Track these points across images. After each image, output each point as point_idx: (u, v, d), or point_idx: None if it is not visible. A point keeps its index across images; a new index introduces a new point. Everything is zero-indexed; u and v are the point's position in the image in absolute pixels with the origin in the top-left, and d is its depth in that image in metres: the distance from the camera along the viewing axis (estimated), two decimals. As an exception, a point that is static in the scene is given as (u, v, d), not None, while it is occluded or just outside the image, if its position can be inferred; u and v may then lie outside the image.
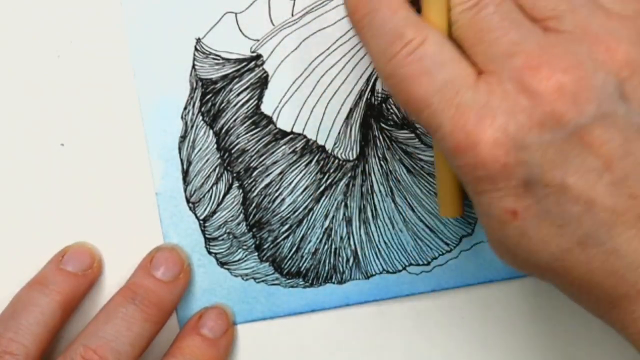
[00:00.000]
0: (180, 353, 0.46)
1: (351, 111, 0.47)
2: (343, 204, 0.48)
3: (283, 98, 0.47)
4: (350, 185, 0.48)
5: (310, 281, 0.49)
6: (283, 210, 0.48)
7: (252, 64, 0.47)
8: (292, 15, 0.47)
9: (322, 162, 0.48)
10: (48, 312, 0.45)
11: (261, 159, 0.48)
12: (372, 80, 0.47)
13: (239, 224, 0.48)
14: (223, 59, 0.47)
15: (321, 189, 0.48)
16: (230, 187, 0.48)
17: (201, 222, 0.48)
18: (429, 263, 0.49)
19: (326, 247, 0.48)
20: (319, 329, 0.49)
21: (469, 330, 0.49)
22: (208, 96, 0.47)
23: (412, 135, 0.48)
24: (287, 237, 0.48)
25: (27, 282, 0.46)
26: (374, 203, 0.48)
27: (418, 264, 0.49)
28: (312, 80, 0.47)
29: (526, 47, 0.37)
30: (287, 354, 0.49)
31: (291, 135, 0.48)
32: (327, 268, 0.49)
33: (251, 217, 0.48)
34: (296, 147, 0.48)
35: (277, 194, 0.48)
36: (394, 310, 0.49)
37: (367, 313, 0.49)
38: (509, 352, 0.50)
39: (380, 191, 0.48)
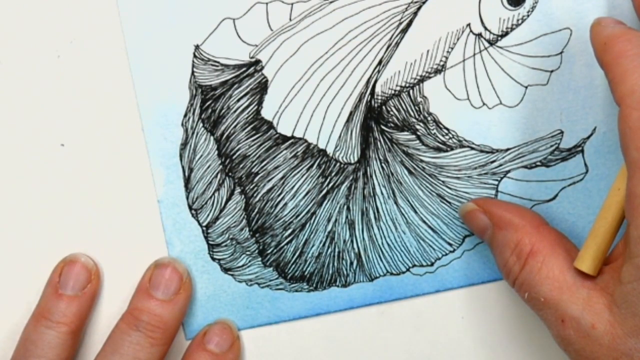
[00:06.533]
0: None
1: (351, 114, 0.47)
2: (345, 207, 0.48)
3: (283, 103, 0.47)
4: (352, 188, 0.48)
5: (314, 285, 0.49)
6: (285, 215, 0.48)
7: (251, 70, 0.47)
8: (290, 19, 0.46)
9: (323, 166, 0.48)
10: (59, 345, 0.45)
11: (262, 164, 0.48)
12: (372, 83, 0.47)
13: (241, 229, 0.48)
14: (222, 65, 0.47)
15: (323, 192, 0.48)
16: (232, 193, 0.48)
17: (204, 228, 0.48)
18: (432, 264, 0.49)
19: (329, 250, 0.48)
20: (323, 332, 0.49)
21: (470, 330, 0.49)
22: (208, 103, 0.47)
23: (413, 136, 0.48)
24: (290, 241, 0.48)
25: (32, 315, 0.46)
26: (376, 205, 0.48)
27: (422, 265, 0.49)
28: (311, 84, 0.47)
29: None
30: (293, 358, 0.49)
31: (292, 140, 0.47)
32: (331, 271, 0.49)
33: (254, 222, 0.48)
34: (297, 152, 0.48)
35: (279, 199, 0.48)
36: (397, 311, 0.49)
37: (371, 315, 0.49)
38: (510, 351, 0.50)
39: (382, 193, 0.48)
